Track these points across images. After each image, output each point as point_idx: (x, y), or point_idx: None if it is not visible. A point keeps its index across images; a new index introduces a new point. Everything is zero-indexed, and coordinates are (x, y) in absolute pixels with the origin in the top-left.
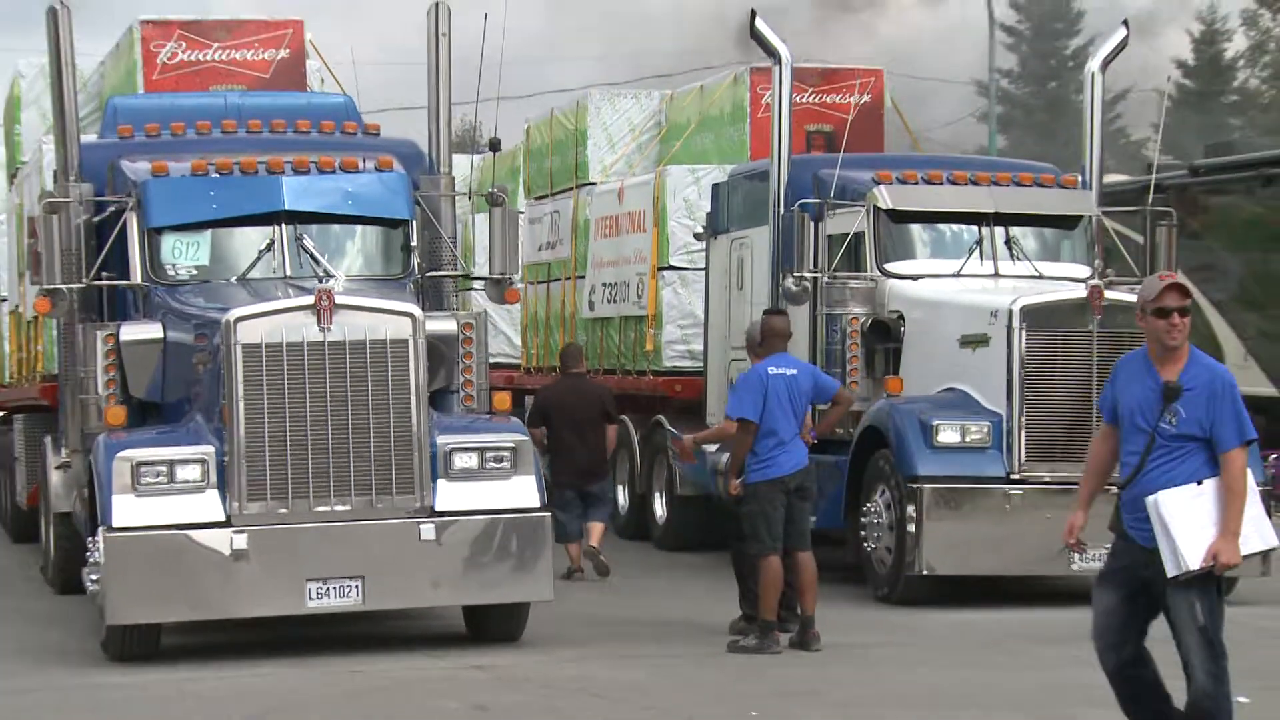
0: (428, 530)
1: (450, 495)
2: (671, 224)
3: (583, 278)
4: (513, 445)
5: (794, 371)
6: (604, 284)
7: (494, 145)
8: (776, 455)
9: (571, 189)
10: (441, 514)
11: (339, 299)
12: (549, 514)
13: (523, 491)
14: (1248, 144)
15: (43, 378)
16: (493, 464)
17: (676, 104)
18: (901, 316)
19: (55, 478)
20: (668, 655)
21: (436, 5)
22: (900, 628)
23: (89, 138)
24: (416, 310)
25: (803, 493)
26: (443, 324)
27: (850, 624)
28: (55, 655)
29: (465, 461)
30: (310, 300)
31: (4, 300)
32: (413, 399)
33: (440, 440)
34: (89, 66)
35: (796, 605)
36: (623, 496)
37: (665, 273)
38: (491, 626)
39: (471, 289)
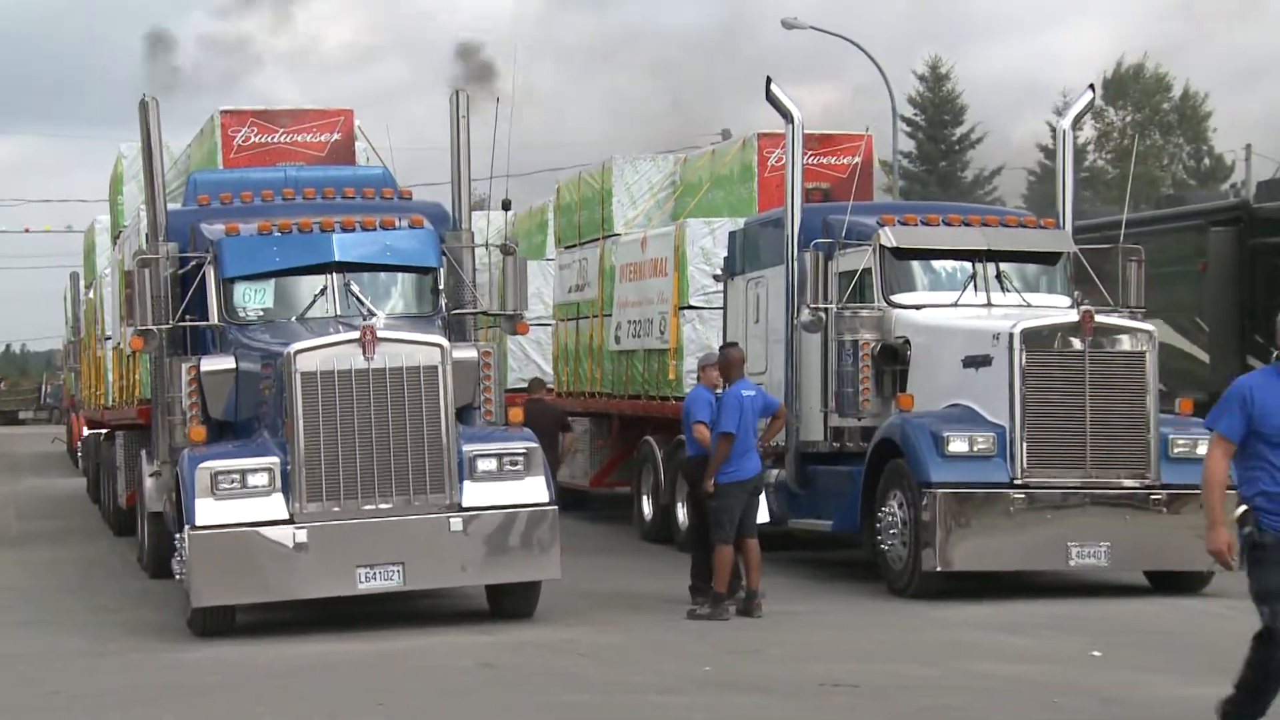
0: (456, 523)
1: (475, 493)
2: (690, 269)
3: (609, 316)
4: (525, 451)
5: (754, 393)
6: (629, 321)
7: (505, 205)
8: (743, 462)
9: (598, 239)
10: (468, 509)
11: (380, 333)
12: (556, 507)
13: (535, 489)
14: (1094, 213)
15: (139, 401)
16: (509, 467)
17: (690, 166)
18: (907, 341)
19: (149, 483)
20: (640, 622)
21: (457, 92)
22: (906, 614)
23: (174, 206)
24: (445, 342)
25: (757, 491)
26: (465, 352)
27: (863, 612)
28: (150, 630)
29: (486, 465)
30: (356, 335)
31: (109, 339)
32: (442, 415)
33: (465, 448)
34: (179, 147)
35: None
36: (648, 507)
37: (685, 311)
38: (509, 603)
39: (492, 325)
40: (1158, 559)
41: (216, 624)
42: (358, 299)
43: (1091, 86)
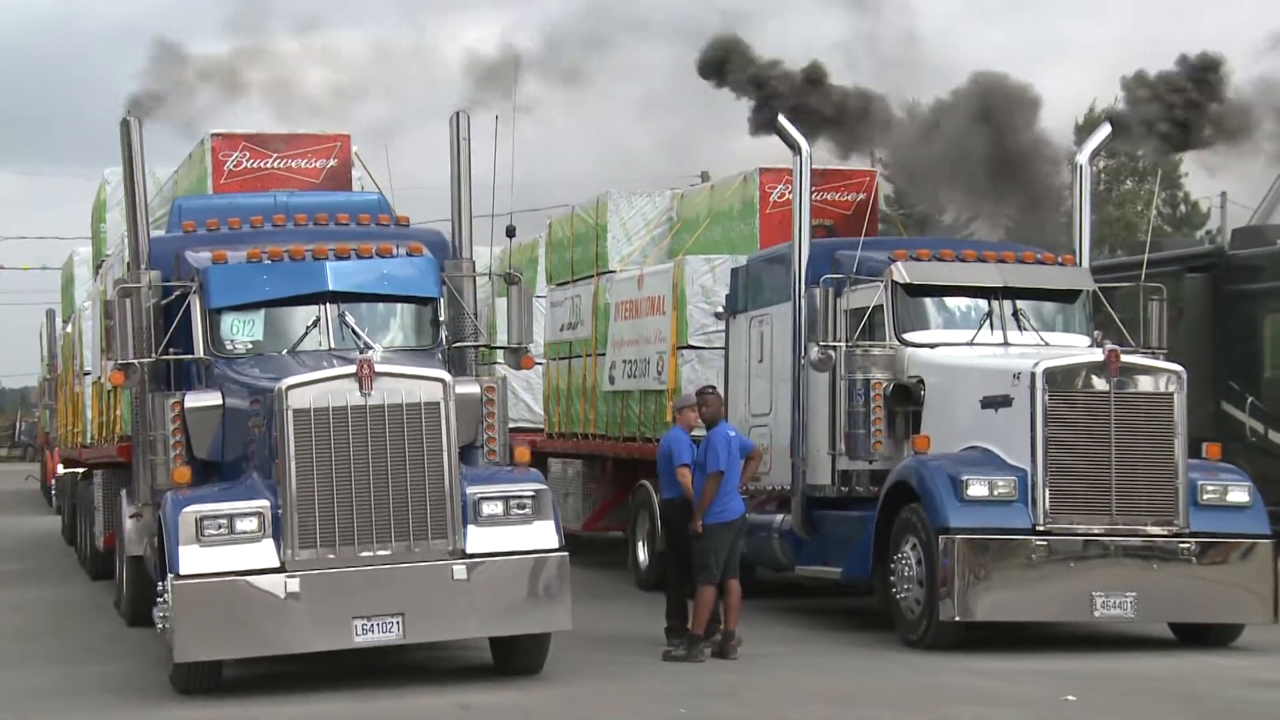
0: (460, 571)
1: (479, 539)
2: (690, 307)
3: (603, 355)
4: (533, 493)
5: (735, 434)
6: (624, 360)
7: (510, 232)
8: (730, 503)
9: (592, 276)
10: (472, 556)
11: (378, 367)
12: (566, 554)
13: (543, 534)
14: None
15: (119, 439)
16: (516, 510)
17: (687, 201)
18: (921, 381)
19: (129, 525)
20: (616, 664)
21: (458, 114)
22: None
23: (157, 233)
24: (447, 376)
25: (741, 532)
26: (468, 387)
27: (841, 655)
28: (130, 687)
29: (492, 509)
30: (353, 369)
31: (89, 374)
32: (445, 455)
33: (469, 490)
34: (165, 174)
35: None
36: (643, 553)
37: (684, 351)
38: (517, 657)
39: (496, 361)
40: (1186, 611)
41: (201, 680)
42: (353, 331)
43: (1110, 120)
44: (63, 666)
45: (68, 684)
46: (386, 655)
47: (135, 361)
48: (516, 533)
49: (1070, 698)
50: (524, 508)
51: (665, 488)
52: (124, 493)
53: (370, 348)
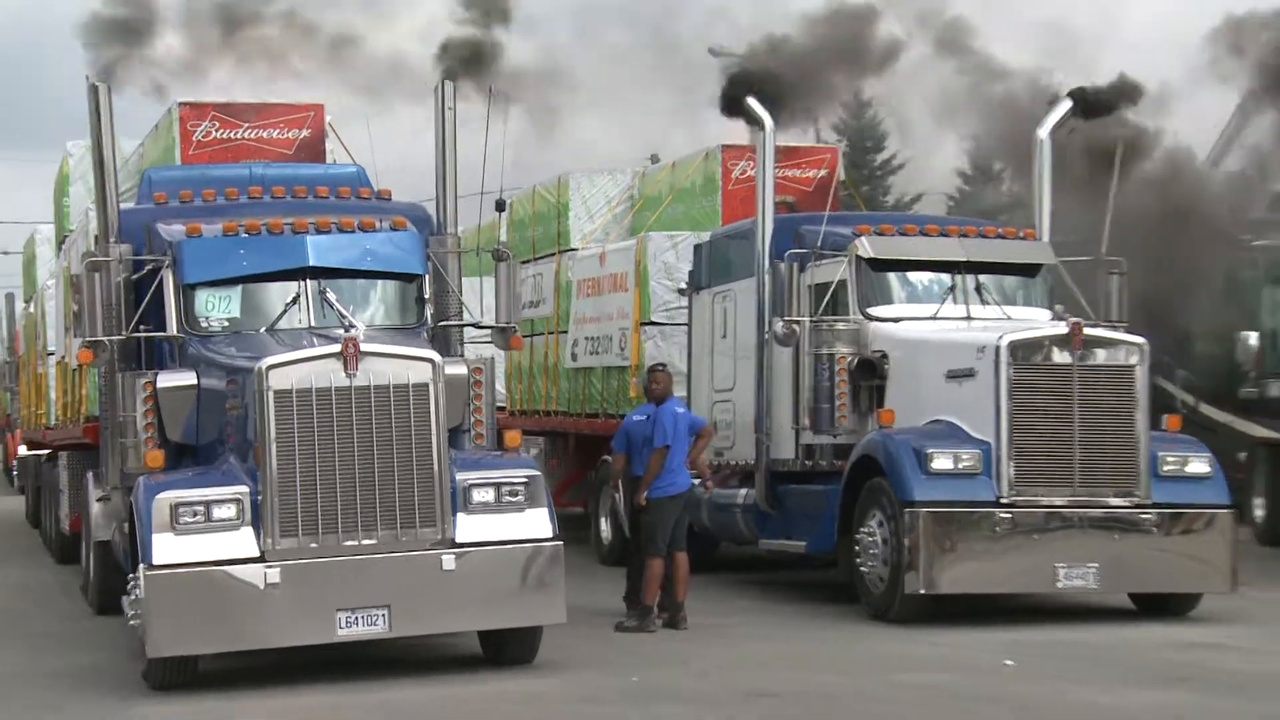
0: (449, 561)
1: (469, 528)
2: (652, 284)
3: (565, 333)
4: (526, 480)
5: (683, 410)
6: (586, 338)
7: (499, 205)
8: (675, 477)
9: (554, 254)
10: (462, 545)
11: (364, 347)
12: (561, 543)
13: (537, 523)
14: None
15: (85, 419)
16: (508, 498)
17: (649, 179)
18: (885, 355)
19: (96, 509)
20: (570, 634)
21: (443, 82)
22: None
23: (126, 205)
24: (436, 356)
25: (688, 506)
26: (455, 368)
27: (792, 625)
28: (101, 680)
29: (483, 496)
30: (337, 349)
31: (53, 354)
32: (433, 439)
33: (459, 476)
34: (129, 147)
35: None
36: (606, 528)
37: (646, 327)
38: (508, 650)
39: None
40: (1147, 581)
41: (176, 676)
42: (335, 309)
43: (1070, 94)
44: (29, 655)
45: (33, 674)
46: (370, 645)
47: (104, 339)
48: (508, 521)
49: (1009, 662)
50: (516, 495)
51: (637, 465)
52: (90, 475)
53: (353, 326)
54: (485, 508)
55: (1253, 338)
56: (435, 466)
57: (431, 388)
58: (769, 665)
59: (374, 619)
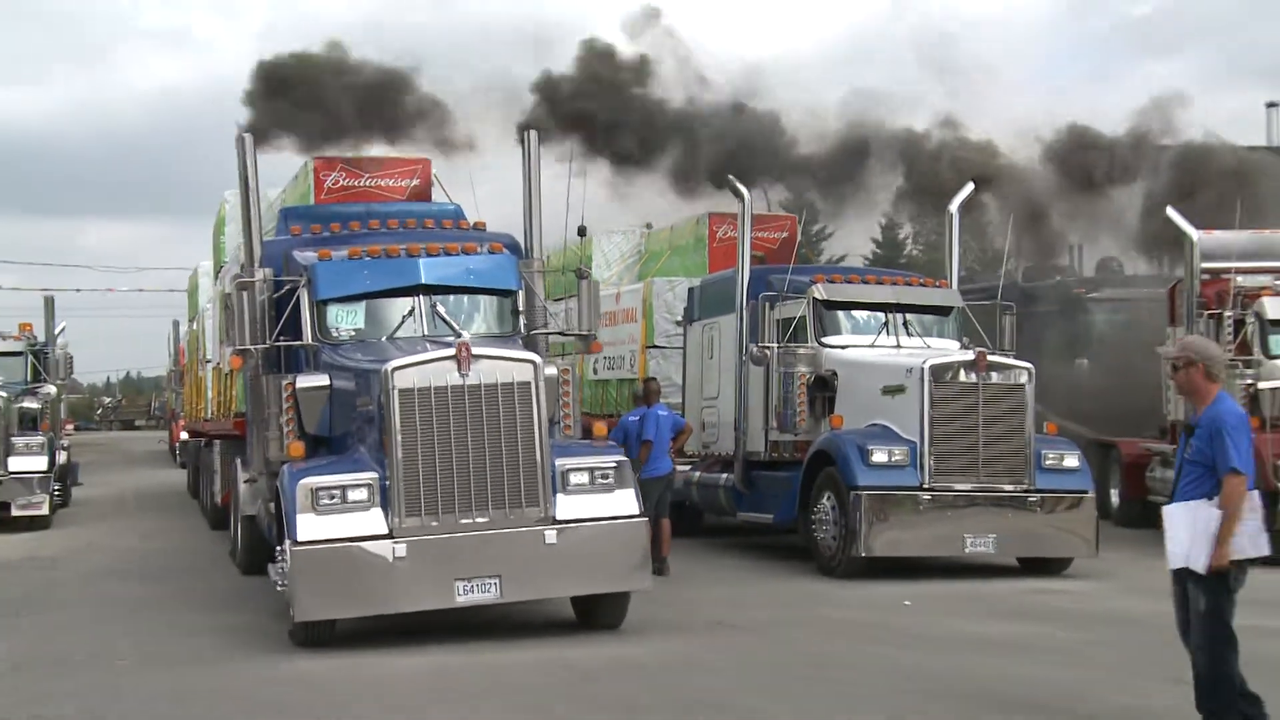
0: (551, 535)
1: (568, 506)
2: (656, 317)
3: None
4: (615, 465)
5: (666, 413)
6: (605, 357)
7: (581, 231)
8: (658, 463)
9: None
10: (562, 522)
11: (475, 350)
12: (646, 519)
13: (625, 502)
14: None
15: (235, 414)
16: (600, 480)
17: (653, 237)
18: (835, 374)
19: (243, 490)
20: None
21: (527, 129)
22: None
23: (268, 237)
24: (537, 358)
25: (669, 486)
26: (549, 369)
27: (802, 591)
28: (250, 636)
29: (579, 479)
30: (452, 352)
31: (210, 361)
32: (536, 430)
33: (558, 462)
34: (273, 194)
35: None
36: None
37: (651, 350)
38: (600, 614)
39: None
40: (1032, 547)
41: (318, 635)
42: (445, 320)
43: (974, 180)
44: (186, 615)
45: (197, 629)
46: (479, 611)
47: (251, 348)
48: (601, 500)
49: (907, 603)
50: (607, 478)
51: (631, 454)
52: (238, 461)
53: (461, 334)
54: (581, 489)
55: (1085, 363)
56: (538, 454)
57: (533, 385)
58: (723, 602)
59: (487, 587)
